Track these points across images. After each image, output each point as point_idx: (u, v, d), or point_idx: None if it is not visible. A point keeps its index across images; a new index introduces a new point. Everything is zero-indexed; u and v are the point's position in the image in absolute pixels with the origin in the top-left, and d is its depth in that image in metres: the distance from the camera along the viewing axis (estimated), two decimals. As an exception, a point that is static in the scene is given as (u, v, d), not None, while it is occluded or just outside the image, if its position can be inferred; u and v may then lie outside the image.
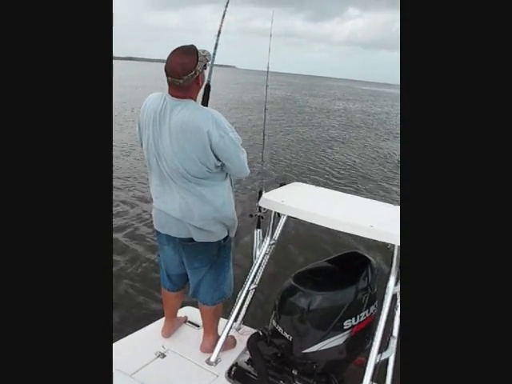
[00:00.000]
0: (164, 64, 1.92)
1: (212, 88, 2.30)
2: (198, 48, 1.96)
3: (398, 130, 18.48)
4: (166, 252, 2.31)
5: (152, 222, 2.29)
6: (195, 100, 2.04)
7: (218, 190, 2.10)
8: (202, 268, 2.22)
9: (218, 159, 1.99)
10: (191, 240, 2.14)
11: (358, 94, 53.42)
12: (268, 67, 2.62)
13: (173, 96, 1.97)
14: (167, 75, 1.93)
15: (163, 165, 2.01)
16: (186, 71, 1.90)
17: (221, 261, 2.25)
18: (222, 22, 2.41)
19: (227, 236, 2.23)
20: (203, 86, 2.16)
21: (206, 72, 2.09)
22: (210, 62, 2.09)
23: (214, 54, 2.32)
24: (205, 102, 2.33)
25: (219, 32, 2.35)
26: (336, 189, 7.48)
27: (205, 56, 1.98)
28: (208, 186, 2.05)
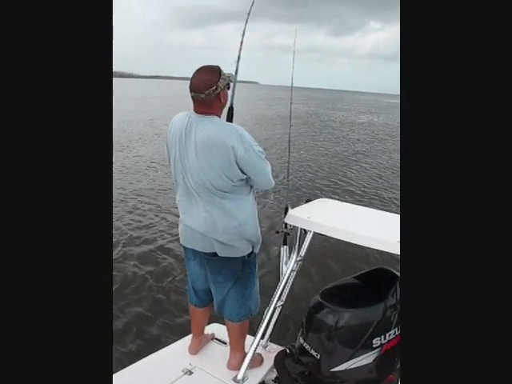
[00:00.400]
0: (186, 82, 1.99)
1: (235, 104, 2.34)
2: (223, 69, 2.03)
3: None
4: (193, 267, 2.33)
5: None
6: (219, 117, 2.09)
7: (243, 204, 2.12)
8: (227, 283, 2.22)
9: (243, 173, 2.03)
10: (215, 254, 2.15)
11: (382, 108, 53.31)
12: (292, 84, 2.64)
13: (197, 113, 2.03)
14: (191, 91, 2.00)
15: (189, 180, 2.06)
16: (207, 86, 1.96)
17: (246, 276, 2.25)
18: (240, 47, 2.45)
19: (251, 252, 2.23)
20: (227, 106, 2.21)
21: (229, 93, 2.14)
22: (232, 80, 2.14)
23: (235, 77, 2.37)
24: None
25: (238, 57, 2.38)
26: (362, 203, 7.45)
27: (228, 76, 2.07)
28: (233, 200, 2.07)
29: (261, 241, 2.27)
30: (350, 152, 14.63)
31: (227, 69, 2.10)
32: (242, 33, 2.46)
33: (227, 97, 2.13)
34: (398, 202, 8.13)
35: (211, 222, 2.08)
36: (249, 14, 2.49)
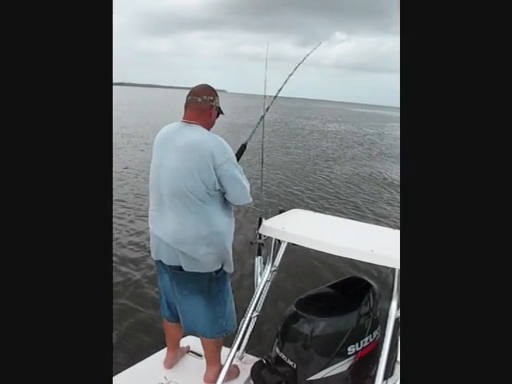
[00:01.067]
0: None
1: None
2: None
3: (389, 150, 18.95)
4: (165, 280, 2.30)
5: None
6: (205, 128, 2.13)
7: (218, 215, 2.09)
8: (193, 297, 2.19)
9: (220, 182, 2.02)
10: (180, 268, 2.13)
11: (349, 116, 54.33)
12: (265, 94, 2.66)
13: (185, 120, 2.10)
14: (188, 96, 2.12)
15: (164, 187, 2.05)
16: (206, 93, 2.11)
17: (214, 293, 2.20)
18: (284, 83, 2.59)
19: (220, 269, 2.17)
20: (241, 142, 2.37)
21: (216, 119, 2.21)
22: (223, 113, 2.24)
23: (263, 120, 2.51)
24: (236, 159, 2.31)
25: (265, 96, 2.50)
26: (334, 212, 7.53)
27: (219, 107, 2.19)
28: (208, 210, 2.05)
29: (231, 260, 2.22)
30: (322, 159, 14.81)
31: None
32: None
33: (214, 121, 2.20)
34: (372, 209, 8.33)
35: (180, 231, 2.05)
36: (267, 58, 2.58)
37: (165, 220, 2.10)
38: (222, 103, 2.23)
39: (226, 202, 2.13)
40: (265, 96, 2.62)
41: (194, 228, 2.05)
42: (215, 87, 2.19)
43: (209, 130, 2.14)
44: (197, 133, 2.05)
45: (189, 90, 2.17)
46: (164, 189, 2.06)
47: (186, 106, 2.12)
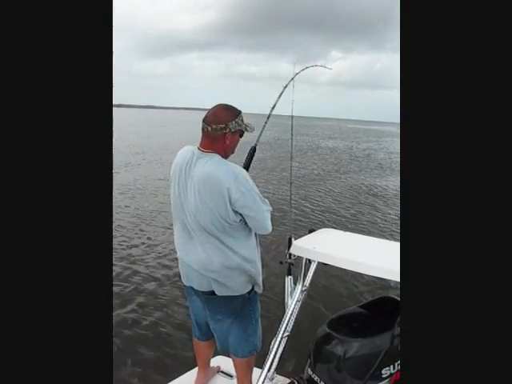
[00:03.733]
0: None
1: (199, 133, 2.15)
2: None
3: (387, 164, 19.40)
4: (194, 302, 2.30)
5: None
6: (222, 157, 2.02)
7: (243, 242, 2.06)
8: (226, 320, 2.19)
9: (239, 214, 1.98)
10: (213, 293, 2.11)
11: (345, 132, 55.84)
12: (292, 114, 2.68)
13: (201, 147, 2.01)
14: (202, 121, 2.00)
15: (187, 218, 2.03)
16: (216, 121, 1.96)
17: (247, 313, 2.21)
18: (278, 98, 2.54)
19: (252, 289, 2.17)
20: (251, 144, 2.33)
21: (239, 140, 2.09)
22: (249, 131, 2.10)
23: (266, 122, 2.47)
24: (247, 163, 2.38)
25: (273, 106, 2.49)
26: (354, 227, 7.46)
27: (246, 125, 2.05)
28: (232, 239, 2.02)
29: (261, 279, 2.20)
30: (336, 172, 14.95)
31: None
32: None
33: (236, 143, 2.07)
34: (393, 227, 8.22)
35: (208, 262, 2.04)
36: (293, 79, 2.58)
37: (192, 249, 2.08)
38: None
39: (250, 229, 2.09)
40: (292, 116, 2.64)
41: (222, 259, 2.02)
42: (211, 106, 2.05)
43: (227, 155, 2.06)
44: (211, 165, 1.95)
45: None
46: (187, 219, 2.04)
47: (202, 132, 2.02)
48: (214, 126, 1.96)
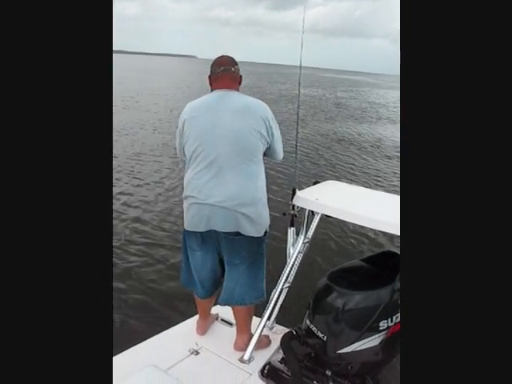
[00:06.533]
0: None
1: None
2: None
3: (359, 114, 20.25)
4: (197, 258, 2.29)
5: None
6: None
7: (263, 180, 2.21)
8: (242, 265, 2.21)
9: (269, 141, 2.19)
10: (237, 234, 2.14)
11: (320, 81, 54.93)
12: (300, 64, 2.57)
13: (223, 87, 2.18)
14: (220, 67, 2.20)
15: (220, 148, 2.06)
16: (234, 64, 2.24)
17: (260, 258, 2.25)
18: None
19: (266, 232, 2.25)
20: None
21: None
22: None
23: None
24: None
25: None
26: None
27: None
28: (259, 173, 2.17)
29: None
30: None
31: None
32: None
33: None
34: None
35: (240, 192, 2.09)
36: (303, 27, 2.48)
37: (220, 187, 2.08)
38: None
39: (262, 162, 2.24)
40: (300, 67, 2.53)
41: (253, 188, 2.13)
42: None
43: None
44: (244, 97, 2.18)
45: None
46: (221, 150, 2.06)
47: (219, 77, 2.20)
48: (236, 67, 2.24)
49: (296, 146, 2.65)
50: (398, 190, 1.09)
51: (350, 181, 8.22)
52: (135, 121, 14.08)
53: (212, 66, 2.24)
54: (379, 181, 8.55)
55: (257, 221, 2.15)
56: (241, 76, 2.27)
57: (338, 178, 8.17)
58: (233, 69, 2.21)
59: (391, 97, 37.23)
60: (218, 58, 2.26)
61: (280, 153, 2.31)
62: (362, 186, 7.42)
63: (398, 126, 17.26)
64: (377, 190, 2.66)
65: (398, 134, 14.65)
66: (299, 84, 2.80)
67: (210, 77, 2.25)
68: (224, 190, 2.08)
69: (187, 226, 2.24)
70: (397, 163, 10.40)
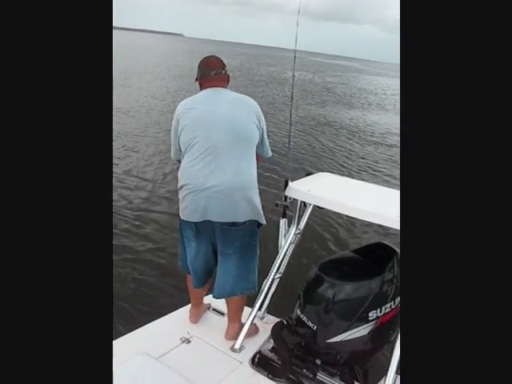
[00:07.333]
0: None
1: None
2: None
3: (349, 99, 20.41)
4: (192, 248, 2.30)
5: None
6: None
7: (254, 163, 2.24)
8: (234, 255, 2.22)
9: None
10: (233, 225, 2.15)
11: (309, 65, 54.25)
12: (295, 50, 2.55)
13: (217, 86, 2.26)
14: (210, 70, 2.26)
15: (218, 134, 2.10)
16: (223, 65, 2.33)
17: (251, 249, 2.26)
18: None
19: (259, 223, 2.27)
20: None
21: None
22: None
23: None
24: None
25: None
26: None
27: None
28: (254, 161, 2.22)
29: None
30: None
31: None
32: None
33: None
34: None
35: (239, 175, 2.12)
36: (299, 9, 2.60)
37: (218, 172, 2.08)
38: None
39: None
40: (295, 51, 2.52)
41: (249, 174, 2.17)
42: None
43: None
44: (238, 94, 2.30)
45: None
46: (218, 136, 2.10)
47: (211, 78, 2.26)
48: (226, 68, 2.33)
49: (289, 135, 2.66)
50: (389, 177, 1.09)
51: (343, 168, 8.24)
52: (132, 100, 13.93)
53: (201, 67, 2.28)
54: (375, 170, 8.51)
55: (256, 205, 2.19)
56: (229, 75, 2.35)
57: (330, 167, 8.20)
58: (223, 71, 2.30)
59: (379, 83, 37.31)
60: (207, 59, 2.33)
61: (269, 148, 2.38)
62: (356, 174, 7.48)
63: (387, 113, 17.45)
64: (370, 178, 2.67)
65: (387, 121, 14.82)
66: (293, 77, 2.78)
67: (199, 78, 2.30)
68: (222, 174, 2.09)
69: (182, 216, 2.24)
70: (385, 150, 10.46)
